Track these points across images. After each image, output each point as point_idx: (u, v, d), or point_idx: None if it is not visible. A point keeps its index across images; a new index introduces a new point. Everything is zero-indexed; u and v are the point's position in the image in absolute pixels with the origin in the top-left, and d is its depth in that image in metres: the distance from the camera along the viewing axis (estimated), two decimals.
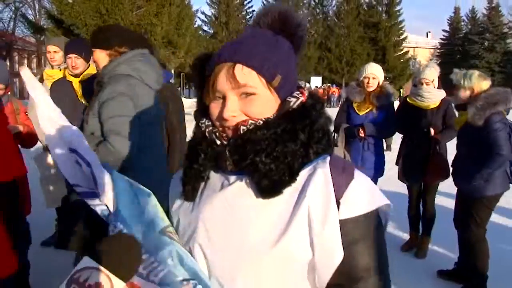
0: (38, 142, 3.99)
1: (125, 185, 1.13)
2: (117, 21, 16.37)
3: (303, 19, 1.08)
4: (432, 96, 4.39)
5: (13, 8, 36.09)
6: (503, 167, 3.50)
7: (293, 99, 1.02)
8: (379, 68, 4.52)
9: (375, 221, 1.00)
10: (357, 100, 4.46)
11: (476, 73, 3.67)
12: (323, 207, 0.95)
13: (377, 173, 4.50)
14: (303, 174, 0.99)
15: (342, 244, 0.94)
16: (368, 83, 4.38)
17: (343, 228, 0.94)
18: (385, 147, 4.90)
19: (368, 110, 4.42)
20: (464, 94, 3.60)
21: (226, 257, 0.99)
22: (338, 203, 0.95)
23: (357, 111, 4.49)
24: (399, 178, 4.73)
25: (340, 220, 0.94)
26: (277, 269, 0.96)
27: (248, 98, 0.98)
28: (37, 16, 35.08)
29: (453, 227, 3.92)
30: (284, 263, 0.96)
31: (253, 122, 0.98)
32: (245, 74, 0.97)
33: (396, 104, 4.79)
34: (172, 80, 4.12)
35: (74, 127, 1.19)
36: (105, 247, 0.92)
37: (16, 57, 42.19)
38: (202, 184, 1.09)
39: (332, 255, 0.95)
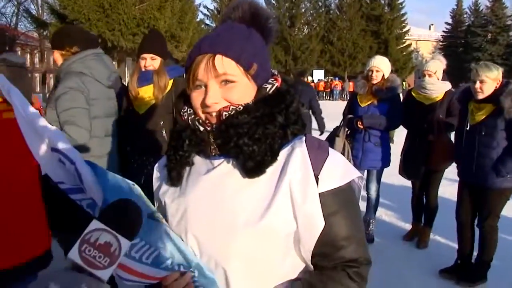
0: None
1: (109, 178, 1.20)
2: (120, 15, 16.43)
3: (271, 13, 1.19)
4: (436, 88, 4.42)
5: (16, 3, 36.08)
6: None
7: (269, 86, 1.12)
8: (384, 60, 4.55)
9: (350, 192, 1.12)
10: (361, 92, 4.54)
11: (497, 65, 3.66)
12: (303, 182, 1.04)
13: (382, 164, 4.55)
14: (283, 153, 1.08)
15: (322, 215, 1.04)
16: (372, 75, 4.44)
17: (322, 200, 1.04)
18: None
19: (369, 102, 4.48)
20: (492, 86, 3.53)
21: (217, 236, 1.07)
22: (316, 178, 1.05)
23: (359, 102, 4.57)
24: (399, 173, 4.78)
25: (319, 193, 1.04)
26: (265, 243, 1.06)
27: (228, 85, 1.07)
28: (40, 11, 35.05)
29: (454, 219, 3.97)
30: (270, 236, 1.05)
31: (234, 107, 1.06)
32: (224, 64, 1.05)
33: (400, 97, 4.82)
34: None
35: (54, 127, 1.21)
36: (111, 213, 1.01)
37: (19, 52, 42.19)
38: (187, 169, 1.16)
39: (314, 225, 1.04)
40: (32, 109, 1.23)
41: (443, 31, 58.75)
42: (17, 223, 1.93)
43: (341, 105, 7.14)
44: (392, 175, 5.74)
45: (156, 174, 1.27)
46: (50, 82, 48.84)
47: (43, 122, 1.20)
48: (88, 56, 2.96)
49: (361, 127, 4.41)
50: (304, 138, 1.11)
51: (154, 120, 3.26)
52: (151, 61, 3.25)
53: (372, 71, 4.44)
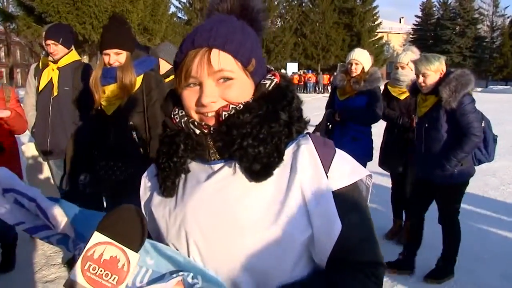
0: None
1: (75, 209, 1.11)
2: (91, 7, 15.98)
3: (261, 4, 1.07)
4: (408, 79, 4.36)
5: None
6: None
7: (268, 81, 1.03)
8: (364, 53, 4.51)
9: (359, 191, 1.04)
10: (339, 85, 4.50)
11: (439, 55, 3.60)
12: (315, 180, 0.96)
13: (361, 159, 4.50)
14: (288, 152, 1.00)
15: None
16: (351, 68, 4.40)
17: (334, 200, 0.96)
18: None
19: (347, 95, 4.43)
20: (434, 77, 3.45)
21: (222, 245, 0.98)
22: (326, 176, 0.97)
23: (338, 96, 4.54)
24: (379, 165, 4.75)
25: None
26: (276, 248, 0.96)
27: (226, 83, 0.97)
28: (5, 3, 33.89)
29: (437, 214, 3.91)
30: (282, 242, 0.96)
31: (233, 106, 0.97)
32: (221, 60, 0.95)
33: None
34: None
35: (1, 168, 1.12)
36: (112, 221, 0.89)
37: None
38: (182, 177, 1.06)
39: (331, 227, 0.95)
40: None
41: (413, 24, 59.66)
42: None
43: (315, 98, 7.09)
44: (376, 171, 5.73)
45: (145, 184, 1.15)
46: (18, 77, 47.39)
47: None
48: None
49: (338, 120, 4.38)
50: (308, 135, 1.03)
51: (122, 121, 2.97)
52: (115, 57, 2.90)
53: (351, 64, 4.39)
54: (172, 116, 1.04)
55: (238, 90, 0.98)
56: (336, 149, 1.03)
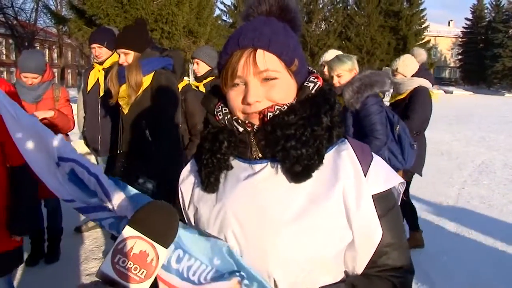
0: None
1: (133, 192, 1.10)
2: (138, 10, 16.41)
3: (296, 4, 1.09)
4: (403, 86, 4.35)
5: None
6: (381, 153, 3.26)
7: (311, 84, 1.04)
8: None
9: (393, 197, 1.06)
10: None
11: (351, 55, 3.56)
12: (356, 185, 0.99)
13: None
14: (329, 156, 1.02)
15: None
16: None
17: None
18: None
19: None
20: (349, 77, 3.37)
21: (259, 245, 0.99)
22: None
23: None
24: None
25: None
26: (311, 253, 0.97)
27: (271, 83, 0.99)
28: (59, 7, 35.42)
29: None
30: (318, 246, 0.97)
31: (278, 107, 0.99)
32: (266, 60, 0.98)
33: None
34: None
35: (59, 136, 1.10)
36: (144, 216, 0.91)
37: (38, 48, 42.76)
38: (224, 173, 1.08)
39: (373, 232, 0.99)
40: (30, 117, 1.12)
41: (463, 27, 57.86)
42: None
43: None
44: None
45: (187, 179, 1.17)
46: (68, 77, 49.53)
47: (44, 131, 1.10)
48: None
49: None
50: (346, 140, 1.05)
51: (136, 120, 3.03)
52: (124, 57, 2.99)
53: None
54: (216, 113, 1.06)
55: (282, 90, 1.00)
56: (373, 154, 1.05)
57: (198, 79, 4.33)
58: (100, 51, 4.04)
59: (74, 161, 1.07)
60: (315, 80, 1.06)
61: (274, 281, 0.98)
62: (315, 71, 1.12)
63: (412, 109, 4.16)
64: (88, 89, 4.17)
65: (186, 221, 1.15)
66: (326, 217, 0.97)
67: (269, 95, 0.99)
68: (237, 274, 0.92)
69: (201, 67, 4.30)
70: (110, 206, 1.09)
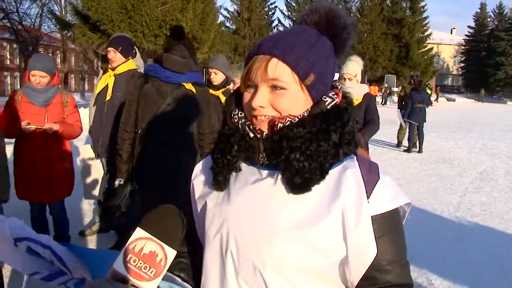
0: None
1: (88, 253, 1.16)
2: (143, 16, 16.54)
3: (350, 22, 1.09)
4: (355, 91, 4.33)
5: (40, 4, 36.78)
6: None
7: (329, 99, 1.05)
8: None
9: (397, 216, 1.06)
10: None
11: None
12: (357, 205, 0.99)
13: None
14: (334, 173, 1.03)
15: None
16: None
17: (372, 223, 1.00)
18: None
19: None
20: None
21: (255, 250, 1.02)
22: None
23: None
24: None
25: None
26: (304, 264, 1.00)
27: (278, 92, 1.01)
28: (63, 12, 35.64)
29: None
30: (311, 258, 1.00)
31: (289, 119, 1.01)
32: (278, 69, 1.00)
33: None
34: None
35: (12, 218, 1.14)
36: (154, 218, 0.96)
37: (42, 53, 42.99)
38: (233, 175, 1.11)
39: (366, 252, 1.00)
40: None
41: (466, 35, 57.91)
42: None
43: None
44: None
45: (200, 174, 1.21)
46: (72, 82, 49.71)
47: None
48: None
49: None
50: (355, 158, 1.07)
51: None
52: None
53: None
54: (232, 115, 1.10)
55: (289, 101, 1.02)
56: (380, 174, 1.06)
57: (215, 87, 4.41)
58: (113, 55, 4.10)
59: (27, 239, 1.12)
60: (334, 96, 1.06)
61: (265, 284, 1.01)
62: (339, 87, 1.12)
63: (374, 113, 4.44)
64: (97, 92, 4.25)
65: (194, 212, 1.20)
66: (323, 230, 0.99)
67: (274, 103, 1.01)
68: None
69: (219, 77, 4.43)
70: (67, 271, 1.14)
